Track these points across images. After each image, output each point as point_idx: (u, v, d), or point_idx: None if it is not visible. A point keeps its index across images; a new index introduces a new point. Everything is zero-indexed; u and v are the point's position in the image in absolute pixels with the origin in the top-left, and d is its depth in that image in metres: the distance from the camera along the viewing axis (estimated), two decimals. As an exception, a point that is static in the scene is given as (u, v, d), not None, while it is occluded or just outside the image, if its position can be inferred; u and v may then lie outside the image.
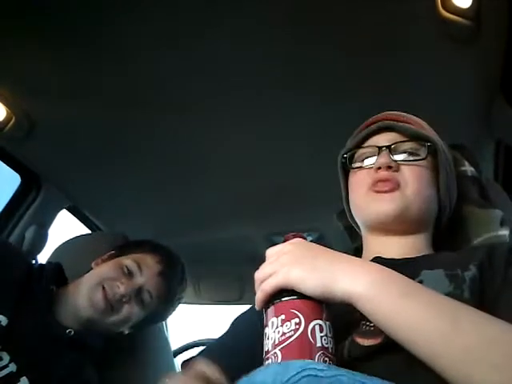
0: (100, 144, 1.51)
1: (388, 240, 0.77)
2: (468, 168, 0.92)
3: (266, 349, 0.53)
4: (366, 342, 0.62)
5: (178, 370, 2.25)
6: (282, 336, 0.51)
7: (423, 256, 0.76)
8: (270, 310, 0.55)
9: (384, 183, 0.74)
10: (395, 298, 0.51)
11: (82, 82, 1.26)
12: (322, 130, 1.45)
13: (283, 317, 0.53)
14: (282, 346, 0.51)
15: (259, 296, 0.57)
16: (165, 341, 1.52)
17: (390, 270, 0.55)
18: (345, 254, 0.59)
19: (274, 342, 0.52)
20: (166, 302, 1.19)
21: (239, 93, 1.32)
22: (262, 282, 0.57)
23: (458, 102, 1.33)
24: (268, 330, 0.54)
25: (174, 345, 2.39)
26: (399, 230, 0.77)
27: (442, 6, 1.05)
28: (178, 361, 2.44)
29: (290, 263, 0.55)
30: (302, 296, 0.54)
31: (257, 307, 0.58)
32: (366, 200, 0.77)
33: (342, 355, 0.62)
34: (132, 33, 1.13)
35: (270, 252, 0.61)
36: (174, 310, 1.27)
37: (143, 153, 1.56)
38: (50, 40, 1.14)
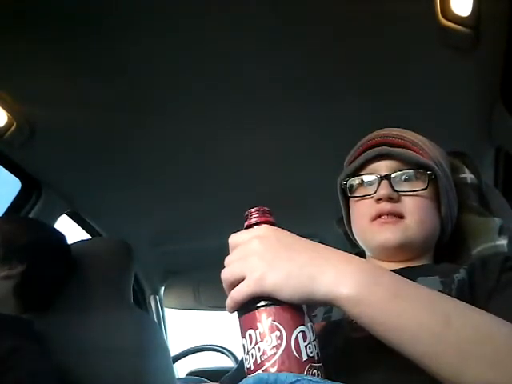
0: (100, 150, 1.51)
1: (391, 264, 0.78)
2: (468, 175, 0.92)
3: (247, 366, 0.49)
4: (360, 334, 0.61)
5: (176, 376, 2.24)
6: (263, 355, 0.47)
7: (421, 265, 0.77)
8: (245, 319, 0.50)
9: (387, 216, 0.75)
10: (383, 301, 0.47)
11: (83, 88, 1.27)
12: (321, 136, 1.46)
13: (261, 330, 0.48)
14: (265, 367, 0.47)
15: (229, 304, 0.51)
16: (164, 346, 1.51)
17: (377, 267, 0.52)
18: (322, 245, 0.53)
19: (256, 361, 0.47)
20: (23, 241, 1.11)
21: (239, 101, 1.32)
22: (230, 284, 0.52)
23: (458, 109, 1.34)
24: (246, 344, 0.49)
25: (174, 350, 2.39)
26: (402, 258, 0.78)
27: (442, 14, 1.05)
28: (178, 366, 2.44)
29: (262, 267, 0.49)
30: (279, 302, 0.48)
31: (228, 312, 0.53)
32: (370, 231, 0.78)
33: (336, 352, 0.62)
34: (133, 39, 1.13)
35: (235, 242, 0.54)
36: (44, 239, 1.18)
37: (143, 159, 1.56)
38: (51, 46, 1.14)
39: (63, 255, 1.23)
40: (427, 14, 1.05)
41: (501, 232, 0.81)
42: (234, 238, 0.55)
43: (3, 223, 1.15)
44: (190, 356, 2.47)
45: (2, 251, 1.09)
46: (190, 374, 2.50)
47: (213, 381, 0.69)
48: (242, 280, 0.50)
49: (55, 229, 1.28)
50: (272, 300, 0.49)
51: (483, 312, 0.49)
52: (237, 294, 0.50)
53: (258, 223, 0.54)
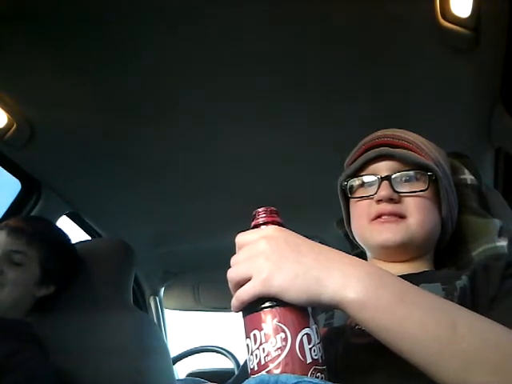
0: (101, 151, 1.51)
1: (391, 264, 0.78)
2: (468, 176, 0.92)
3: (251, 366, 0.49)
4: (361, 340, 0.61)
5: (176, 377, 2.24)
6: (267, 356, 0.47)
7: (423, 272, 0.77)
8: (250, 319, 0.50)
9: (387, 216, 0.75)
10: (389, 305, 0.47)
11: (84, 89, 1.27)
12: (321, 136, 1.46)
13: (266, 331, 0.48)
14: (268, 368, 0.46)
15: (235, 304, 0.51)
16: (164, 347, 1.51)
17: (382, 270, 0.51)
18: (328, 247, 0.53)
19: (260, 362, 0.47)
20: (41, 241, 1.16)
21: (239, 102, 1.32)
22: (236, 284, 0.52)
23: (458, 110, 1.34)
24: (251, 344, 0.49)
25: (173, 352, 2.38)
26: (402, 258, 0.78)
27: (442, 15, 1.05)
28: (177, 367, 2.43)
29: (269, 268, 0.49)
30: (284, 303, 0.48)
31: (233, 312, 0.52)
32: (369, 231, 0.77)
33: (337, 357, 0.62)
34: (133, 40, 1.13)
35: (242, 241, 0.54)
36: (61, 239, 1.25)
37: (144, 160, 1.56)
38: (51, 46, 1.15)
39: (73, 253, 1.28)
40: (427, 15, 1.05)
41: (501, 233, 0.81)
42: (241, 238, 0.54)
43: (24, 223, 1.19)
44: (189, 357, 2.47)
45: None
46: (190, 375, 2.50)
47: (212, 382, 0.68)
48: (248, 280, 0.50)
49: (61, 229, 1.31)
50: (277, 301, 0.48)
51: (487, 319, 0.49)
52: (242, 294, 0.50)
53: (265, 223, 0.54)
